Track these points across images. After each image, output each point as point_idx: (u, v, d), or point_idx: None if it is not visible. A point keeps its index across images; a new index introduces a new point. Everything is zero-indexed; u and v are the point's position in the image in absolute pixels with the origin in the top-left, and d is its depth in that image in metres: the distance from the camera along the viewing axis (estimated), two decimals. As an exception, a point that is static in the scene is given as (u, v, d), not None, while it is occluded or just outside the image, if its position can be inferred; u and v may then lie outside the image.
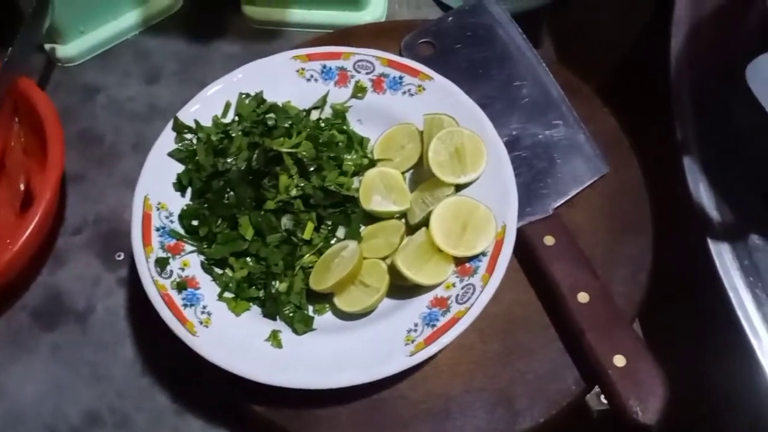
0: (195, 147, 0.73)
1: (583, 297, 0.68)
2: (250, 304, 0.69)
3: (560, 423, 0.68)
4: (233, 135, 0.72)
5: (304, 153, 0.70)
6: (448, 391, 0.69)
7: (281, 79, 0.77)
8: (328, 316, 0.70)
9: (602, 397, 0.75)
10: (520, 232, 0.71)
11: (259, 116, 0.74)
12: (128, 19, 0.95)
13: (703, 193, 0.74)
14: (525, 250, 0.72)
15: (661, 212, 0.78)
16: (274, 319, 0.69)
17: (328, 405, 0.68)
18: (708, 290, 0.72)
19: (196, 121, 0.75)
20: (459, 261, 0.69)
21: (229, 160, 0.70)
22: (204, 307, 0.68)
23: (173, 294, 0.67)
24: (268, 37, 0.96)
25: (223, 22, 0.97)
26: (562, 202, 0.76)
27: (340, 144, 0.75)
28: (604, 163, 0.79)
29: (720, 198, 0.73)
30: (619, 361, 0.65)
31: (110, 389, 0.74)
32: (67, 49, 0.93)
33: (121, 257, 0.80)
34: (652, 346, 0.68)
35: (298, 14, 0.97)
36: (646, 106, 0.85)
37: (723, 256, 0.71)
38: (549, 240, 0.72)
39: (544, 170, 0.78)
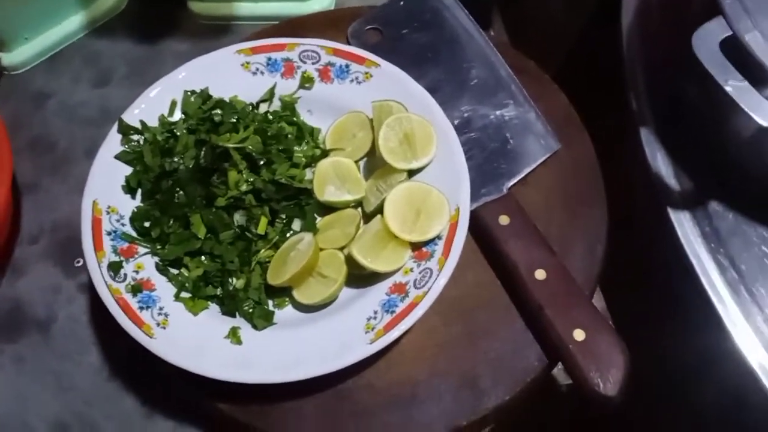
0: (142, 148, 0.71)
1: (540, 274, 0.68)
2: (208, 302, 0.68)
3: (527, 399, 0.69)
4: (179, 134, 0.71)
5: (252, 147, 0.70)
6: (413, 376, 0.69)
7: (226, 74, 0.76)
8: (289, 309, 0.70)
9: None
10: (475, 214, 0.72)
11: (205, 113, 0.73)
12: (73, 22, 0.93)
13: (660, 163, 0.74)
14: (481, 231, 0.72)
15: (615, 186, 0.78)
16: (234, 316, 0.68)
17: (293, 398, 0.67)
18: (670, 259, 0.72)
19: (142, 122, 0.73)
20: (416, 246, 0.69)
21: (176, 159, 0.69)
22: (161, 309, 0.67)
23: (128, 297, 0.66)
24: (217, 32, 0.94)
25: (171, 20, 0.95)
26: (516, 181, 0.76)
27: (289, 136, 0.75)
28: (556, 140, 0.79)
29: (678, 167, 0.73)
30: (579, 335, 0.65)
31: (77, 398, 0.73)
32: (12, 57, 0.91)
33: (80, 263, 0.79)
34: (617, 319, 0.69)
35: (245, 7, 0.96)
36: (599, 90, 0.85)
37: (683, 224, 0.71)
38: (504, 219, 0.72)
39: (496, 150, 0.78)
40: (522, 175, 0.76)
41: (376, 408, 0.68)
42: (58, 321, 0.77)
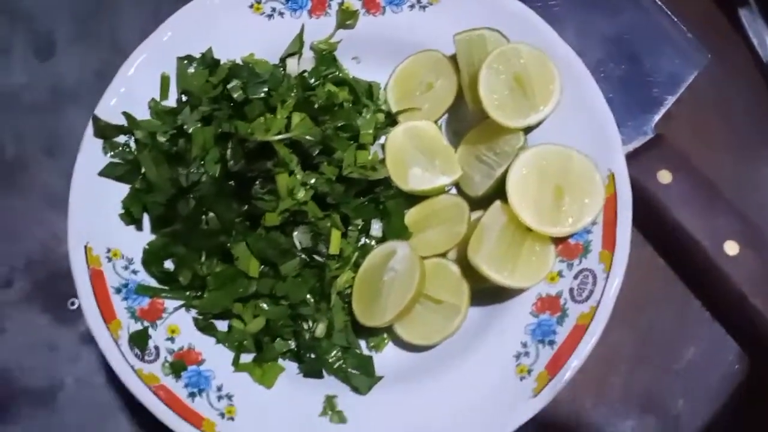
0: (137, 156, 0.55)
1: (731, 247, 0.53)
2: (282, 363, 0.54)
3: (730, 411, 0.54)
4: (189, 129, 0.54)
5: (304, 134, 0.51)
6: (576, 410, 0.55)
7: (231, 24, 0.59)
8: (391, 351, 0.54)
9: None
10: (623, 174, 0.55)
11: (216, 88, 0.57)
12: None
13: None
14: (633, 196, 0.54)
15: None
16: (321, 377, 0.53)
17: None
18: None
19: (128, 115, 0.57)
20: (560, 239, 0.52)
21: (193, 169, 0.53)
22: (219, 389, 0.52)
23: (170, 382, 0.51)
24: None
25: None
26: (661, 115, 0.59)
27: (344, 104, 0.56)
28: (701, 50, 0.62)
29: None
30: (802, 328, 0.50)
31: None
32: None
33: (76, 305, 0.66)
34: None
35: None
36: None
37: None
38: (664, 176, 0.55)
39: (626, 77, 0.61)
40: (668, 106, 0.59)
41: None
42: (65, 387, 0.64)
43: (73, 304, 0.66)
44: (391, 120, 0.59)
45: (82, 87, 0.73)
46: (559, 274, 0.51)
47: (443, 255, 0.55)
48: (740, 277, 0.52)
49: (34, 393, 0.64)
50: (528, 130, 0.55)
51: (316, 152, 0.53)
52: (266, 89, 0.55)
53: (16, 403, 0.64)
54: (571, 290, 0.50)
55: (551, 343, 0.49)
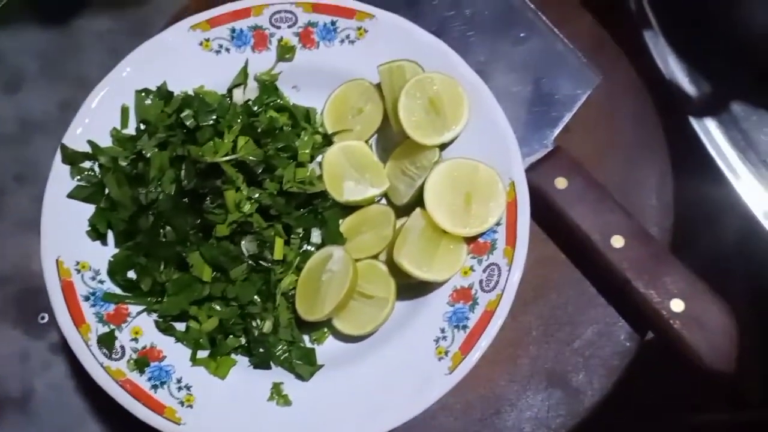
0: (102, 178, 0.58)
1: (617, 241, 0.59)
2: (234, 357, 0.57)
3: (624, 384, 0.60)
4: (147, 153, 0.58)
5: (248, 155, 0.55)
6: (492, 388, 0.60)
7: (183, 59, 0.63)
8: (330, 342, 0.58)
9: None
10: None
11: (170, 117, 0.60)
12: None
13: (674, 68, 0.66)
14: (535, 200, 0.60)
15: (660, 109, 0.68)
16: (269, 368, 0.57)
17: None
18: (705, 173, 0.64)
19: (92, 143, 0.60)
20: (471, 238, 0.58)
21: (151, 188, 0.57)
22: (179, 381, 0.55)
23: (135, 377, 0.54)
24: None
25: None
26: (559, 130, 0.65)
27: (285, 128, 0.60)
28: (594, 71, 0.67)
29: (693, 71, 0.66)
30: (677, 305, 0.57)
31: None
32: None
33: (45, 319, 0.68)
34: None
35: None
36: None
37: (710, 133, 0.64)
38: (561, 182, 0.61)
39: (528, 97, 0.66)
40: (566, 122, 0.65)
41: (459, 433, 0.58)
42: (37, 393, 0.66)
43: (42, 318, 0.67)
44: (328, 141, 0.62)
45: (48, 119, 0.73)
46: (471, 268, 0.57)
47: (375, 257, 0.59)
48: (625, 265, 0.58)
49: (11, 399, 0.65)
50: (443, 146, 0.60)
51: (260, 170, 0.56)
52: (215, 117, 0.58)
53: (-4, 409, 0.64)
54: (480, 282, 0.56)
55: (464, 327, 0.54)
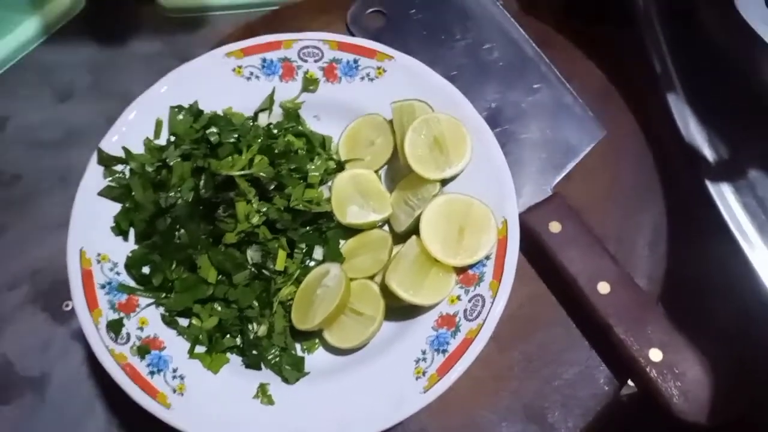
0: (129, 181, 0.63)
1: (603, 287, 0.61)
2: (228, 355, 0.60)
3: (597, 426, 0.61)
4: (171, 162, 0.62)
5: (261, 172, 0.59)
6: (470, 415, 0.61)
7: (216, 82, 0.67)
8: (320, 353, 0.62)
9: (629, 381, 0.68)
10: (521, 222, 0.62)
11: (198, 132, 0.64)
12: (25, 31, 0.83)
13: (694, 131, 0.67)
14: (529, 241, 0.64)
15: (665, 167, 0.70)
16: (259, 369, 0.60)
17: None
18: (716, 236, 0.65)
19: (126, 150, 0.64)
20: (461, 270, 0.61)
21: (171, 193, 0.60)
22: (175, 370, 0.58)
23: (135, 362, 0.58)
24: (190, 28, 0.85)
25: (135, 18, 0.86)
26: (560, 178, 0.68)
27: (299, 151, 0.65)
28: (599, 125, 0.70)
29: (713, 134, 0.66)
30: (656, 355, 0.58)
31: None
32: (-44, 76, 0.80)
33: (69, 307, 0.71)
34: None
35: (219, -5, 0.84)
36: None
37: (725, 197, 0.64)
38: (554, 226, 0.63)
39: (533, 144, 0.69)
40: (567, 171, 0.68)
41: (433, 458, 0.60)
42: (53, 377, 0.69)
43: (67, 306, 0.71)
44: (340, 167, 0.66)
45: (91, 130, 0.73)
46: (458, 297, 0.59)
47: (371, 278, 0.62)
48: (608, 311, 0.59)
49: (29, 381, 0.68)
50: (444, 182, 0.63)
51: (271, 187, 0.60)
52: (237, 135, 0.62)
53: (15, 385, 0.68)
54: (465, 311, 0.58)
55: (444, 351, 0.57)
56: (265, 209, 0.60)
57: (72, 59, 0.84)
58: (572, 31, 0.76)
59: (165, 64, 0.70)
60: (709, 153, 0.67)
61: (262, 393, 0.58)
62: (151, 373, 0.58)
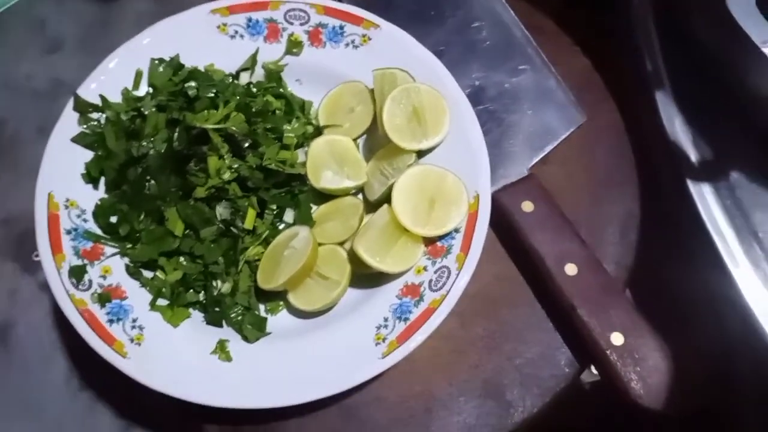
0: (103, 129, 0.62)
1: (570, 269, 0.61)
2: (190, 310, 0.60)
3: (557, 408, 0.61)
4: (146, 112, 0.61)
5: (235, 127, 0.59)
6: (429, 387, 0.61)
7: (200, 38, 0.67)
8: (284, 316, 0.61)
9: (593, 368, 0.68)
10: (494, 200, 0.63)
11: (176, 86, 0.63)
12: (12, -19, 0.82)
13: (678, 130, 0.66)
14: (501, 219, 0.64)
15: (644, 158, 0.70)
16: (220, 326, 0.60)
17: (293, 417, 0.60)
18: (692, 234, 0.65)
19: (102, 97, 0.64)
20: (430, 241, 0.60)
21: (144, 143, 0.60)
22: (134, 321, 0.58)
23: (95, 309, 0.57)
24: None
25: None
26: (537, 159, 0.67)
27: (277, 112, 0.65)
28: (580, 111, 0.70)
29: (698, 134, 0.66)
30: (617, 338, 0.58)
31: (44, 417, 0.66)
32: (-57, 23, 0.79)
33: (39, 258, 0.67)
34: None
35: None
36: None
37: (704, 197, 0.64)
38: (527, 206, 0.63)
39: (514, 124, 0.69)
40: (544, 153, 0.68)
41: (388, 424, 0.60)
42: (18, 326, 0.69)
43: (37, 256, 0.66)
44: (318, 133, 0.66)
45: (78, 83, 0.72)
46: (424, 268, 0.59)
47: (341, 244, 0.61)
48: (573, 292, 0.59)
49: None
50: (420, 153, 0.63)
51: (245, 144, 0.59)
52: (215, 91, 0.61)
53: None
54: (430, 281, 0.58)
55: (405, 319, 0.57)
56: (236, 166, 0.60)
57: (64, 12, 0.83)
58: (564, 18, 0.76)
59: (155, 22, 0.69)
60: (692, 152, 0.67)
61: (221, 349, 0.58)
62: (110, 321, 0.57)
